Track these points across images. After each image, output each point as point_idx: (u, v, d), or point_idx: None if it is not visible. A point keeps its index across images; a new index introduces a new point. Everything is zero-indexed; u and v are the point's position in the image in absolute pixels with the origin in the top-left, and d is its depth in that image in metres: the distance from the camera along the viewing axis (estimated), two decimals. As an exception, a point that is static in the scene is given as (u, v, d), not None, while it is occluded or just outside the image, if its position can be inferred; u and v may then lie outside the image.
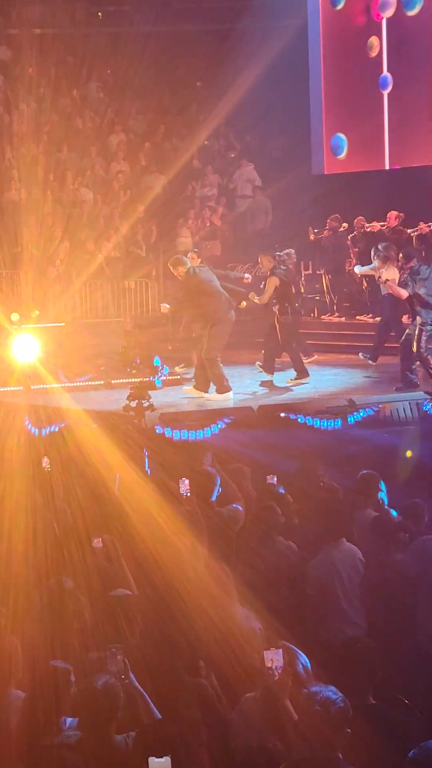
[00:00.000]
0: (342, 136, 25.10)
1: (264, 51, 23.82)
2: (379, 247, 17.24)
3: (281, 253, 17.35)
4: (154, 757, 5.11)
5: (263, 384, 16.55)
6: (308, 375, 16.50)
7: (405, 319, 16.20)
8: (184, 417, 13.89)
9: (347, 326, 21.18)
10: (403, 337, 15.31)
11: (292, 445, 12.75)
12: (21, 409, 14.16)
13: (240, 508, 10.06)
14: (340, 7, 24.91)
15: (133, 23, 26.50)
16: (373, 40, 24.06)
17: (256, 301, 16.30)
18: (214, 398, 15.04)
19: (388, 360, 17.18)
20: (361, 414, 14.03)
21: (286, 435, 13.41)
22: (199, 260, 17.90)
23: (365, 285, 20.66)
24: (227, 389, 15.07)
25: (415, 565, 8.62)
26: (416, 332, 15.07)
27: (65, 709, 5.95)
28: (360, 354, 17.78)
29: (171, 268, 15.34)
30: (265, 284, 16.60)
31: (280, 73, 24.22)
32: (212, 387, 15.21)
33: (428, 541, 8.80)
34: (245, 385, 16.35)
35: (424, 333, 15.04)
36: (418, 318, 15.12)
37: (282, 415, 14.05)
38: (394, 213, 20.37)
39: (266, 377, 16.81)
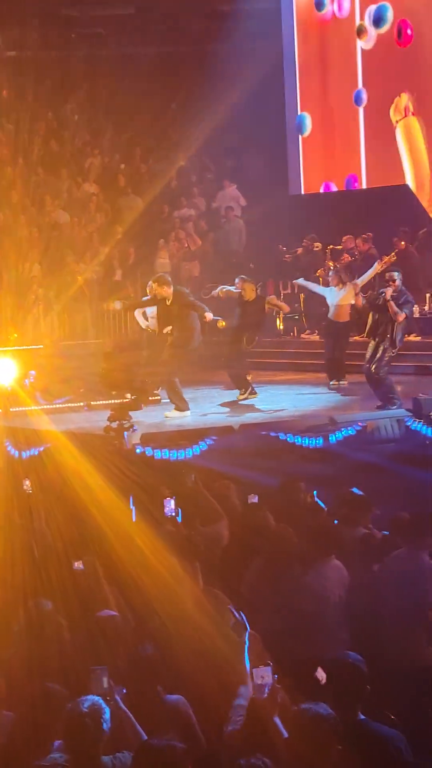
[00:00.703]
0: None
1: (241, 73, 23.86)
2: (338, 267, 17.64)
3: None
4: None
5: (243, 403, 16.51)
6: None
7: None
8: (165, 437, 13.83)
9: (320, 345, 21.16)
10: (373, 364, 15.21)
11: (275, 464, 12.69)
12: (0, 431, 14.08)
13: (224, 528, 10.00)
14: (316, 26, 25.05)
15: (108, 45, 26.51)
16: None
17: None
18: (172, 415, 15.07)
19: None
20: (344, 432, 13.99)
21: (269, 454, 13.35)
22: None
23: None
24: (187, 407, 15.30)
25: (389, 580, 8.57)
26: (380, 354, 15.02)
27: (56, 732, 5.89)
28: (330, 383, 17.79)
29: (156, 286, 15.26)
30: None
31: (258, 94, 24.29)
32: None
33: (401, 556, 8.74)
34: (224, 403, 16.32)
35: (386, 355, 15.02)
36: (385, 342, 15.01)
37: (263, 433, 14.00)
38: (361, 237, 20.45)
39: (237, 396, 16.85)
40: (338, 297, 17.42)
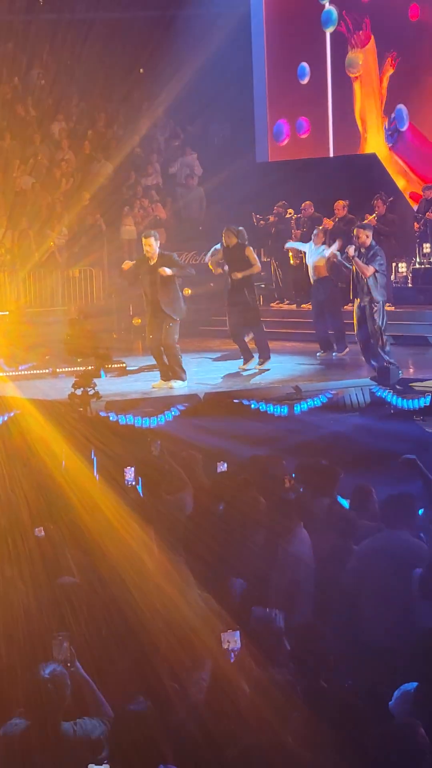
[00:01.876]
0: (284, 122, 25.15)
1: (208, 37, 23.75)
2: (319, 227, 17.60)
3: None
4: (93, 765, 5.12)
5: (210, 372, 16.52)
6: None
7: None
8: (129, 405, 13.82)
9: (293, 314, 21.18)
10: (362, 328, 15.14)
11: (242, 432, 12.70)
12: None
13: (189, 496, 10.00)
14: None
15: (75, 10, 26.27)
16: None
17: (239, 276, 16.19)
18: (178, 386, 14.99)
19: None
20: (318, 401, 14.02)
21: (234, 422, 13.36)
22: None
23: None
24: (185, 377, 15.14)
25: (363, 558, 8.57)
26: (368, 311, 14.94)
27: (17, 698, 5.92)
28: (317, 355, 17.80)
29: (144, 241, 14.97)
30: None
31: (224, 59, 24.22)
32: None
33: (377, 534, 8.75)
34: (191, 373, 16.29)
35: (375, 311, 14.92)
36: (365, 298, 14.93)
37: (235, 401, 14.01)
38: (341, 202, 20.33)
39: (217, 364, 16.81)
40: (317, 255, 17.41)
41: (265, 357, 16.49)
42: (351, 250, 14.86)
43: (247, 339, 16.74)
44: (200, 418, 13.56)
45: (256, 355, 16.54)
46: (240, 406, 13.93)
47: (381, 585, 8.21)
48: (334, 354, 17.73)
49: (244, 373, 16.30)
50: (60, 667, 5.82)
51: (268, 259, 21.91)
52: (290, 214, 21.70)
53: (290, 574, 8.41)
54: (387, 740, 5.10)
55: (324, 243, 17.70)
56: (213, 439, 12.26)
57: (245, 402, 13.99)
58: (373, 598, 8.21)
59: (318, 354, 17.78)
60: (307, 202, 21.18)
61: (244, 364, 16.52)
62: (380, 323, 14.91)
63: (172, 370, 15.06)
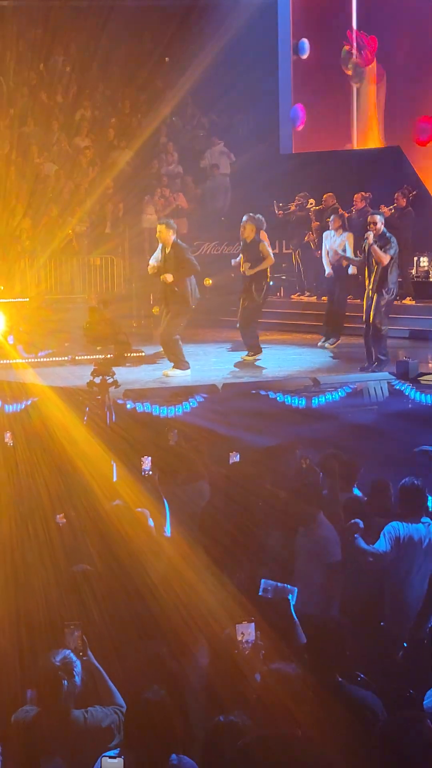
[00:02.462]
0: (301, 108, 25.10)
1: (232, 25, 23.68)
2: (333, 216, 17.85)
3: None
4: (107, 758, 5.14)
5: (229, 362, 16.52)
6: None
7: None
8: (148, 393, 13.84)
9: (314, 306, 21.17)
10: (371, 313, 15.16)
11: (259, 423, 12.72)
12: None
13: (206, 484, 10.02)
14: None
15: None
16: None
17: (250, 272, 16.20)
18: (173, 374, 15.02)
19: (351, 340, 17.30)
20: (337, 395, 14.03)
21: (252, 412, 13.37)
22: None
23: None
24: (187, 366, 15.13)
25: (388, 551, 8.57)
26: (375, 302, 14.96)
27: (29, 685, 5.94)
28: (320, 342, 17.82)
29: (158, 228, 15.02)
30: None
31: (249, 48, 24.13)
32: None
33: (401, 527, 8.75)
34: (210, 363, 16.31)
35: (382, 303, 14.96)
36: (372, 290, 14.93)
37: (253, 392, 14.03)
38: (361, 194, 20.30)
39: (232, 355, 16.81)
40: (336, 242, 17.36)
41: (254, 351, 16.52)
42: (371, 237, 14.87)
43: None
44: (218, 407, 13.58)
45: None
46: (258, 397, 13.95)
47: (402, 577, 8.25)
48: (326, 343, 17.75)
49: (257, 363, 16.32)
50: (71, 654, 5.86)
51: (289, 251, 21.90)
52: (311, 204, 21.67)
53: (315, 560, 8.40)
54: (395, 732, 5.09)
55: (341, 227, 17.62)
56: (230, 429, 12.28)
57: (262, 393, 14.01)
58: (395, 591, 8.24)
59: (319, 344, 17.82)
60: (329, 193, 21.14)
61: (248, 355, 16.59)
62: (386, 318, 15.01)
63: (171, 359, 15.11)
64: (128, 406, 13.19)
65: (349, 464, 10.03)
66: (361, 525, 8.20)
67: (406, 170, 21.97)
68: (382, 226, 14.94)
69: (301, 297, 21.95)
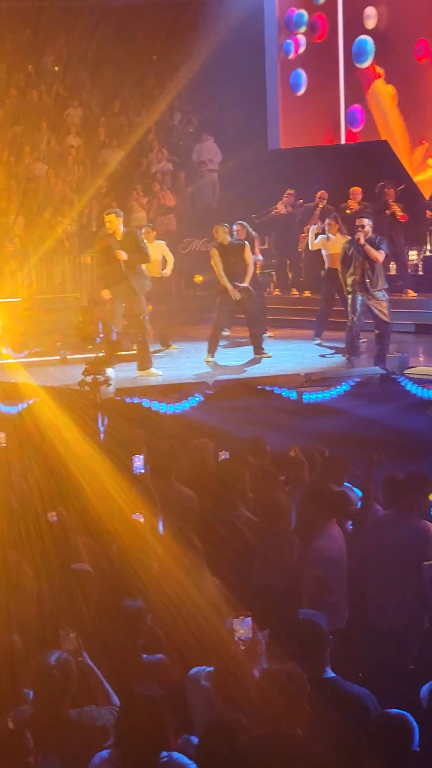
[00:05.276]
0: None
1: (220, 23, 23.70)
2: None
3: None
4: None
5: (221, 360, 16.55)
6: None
7: None
8: (140, 392, 13.88)
9: (301, 301, 21.21)
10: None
11: (253, 419, 12.75)
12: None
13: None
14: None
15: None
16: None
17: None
18: (143, 374, 15.05)
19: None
20: (344, 388, 14.12)
21: (247, 408, 13.41)
22: (154, 234, 17.89)
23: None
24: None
25: (368, 540, 8.61)
26: (359, 304, 15.10)
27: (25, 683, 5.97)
28: (316, 342, 17.84)
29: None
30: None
31: (237, 45, 24.14)
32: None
33: (380, 516, 8.80)
34: (201, 361, 16.33)
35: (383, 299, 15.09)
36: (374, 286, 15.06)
37: (258, 387, 14.10)
38: (358, 189, 20.33)
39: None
40: (334, 244, 17.39)
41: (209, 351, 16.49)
42: (362, 238, 14.94)
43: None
44: (212, 404, 13.62)
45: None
46: (254, 391, 14.00)
47: (392, 572, 8.27)
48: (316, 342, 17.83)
49: (257, 356, 16.37)
50: (66, 654, 5.89)
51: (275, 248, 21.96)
52: (299, 203, 21.70)
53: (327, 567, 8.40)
54: (387, 728, 5.11)
55: (339, 230, 17.65)
56: (225, 426, 12.29)
57: (258, 387, 14.07)
58: (384, 585, 8.27)
59: (317, 342, 17.84)
60: (322, 191, 21.15)
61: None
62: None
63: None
64: (127, 401, 13.22)
65: (337, 459, 10.07)
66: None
67: (393, 164, 22.00)
68: (370, 229, 15.07)
69: (294, 292, 21.96)
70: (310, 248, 18.54)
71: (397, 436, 12.29)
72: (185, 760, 5.28)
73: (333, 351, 16.89)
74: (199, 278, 16.12)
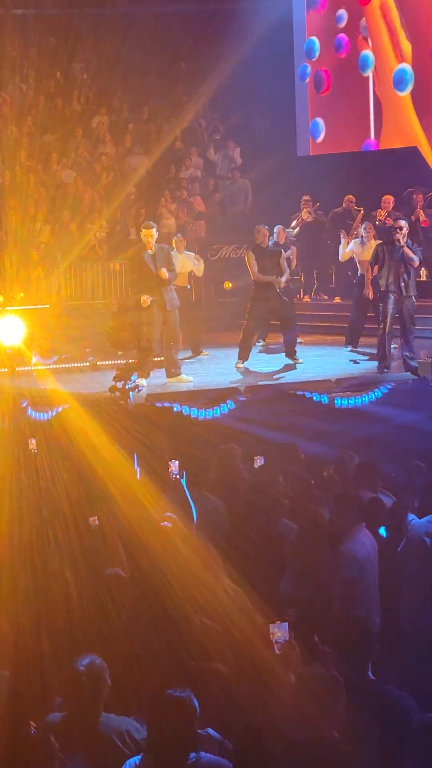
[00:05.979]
0: (320, 120, 24.99)
1: (249, 31, 23.66)
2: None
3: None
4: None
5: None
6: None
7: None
8: (170, 398, 13.84)
9: (331, 307, 21.11)
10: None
11: (282, 426, 12.68)
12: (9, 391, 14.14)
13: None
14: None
15: (117, 4, 26.31)
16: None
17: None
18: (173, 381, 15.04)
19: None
20: (379, 393, 14.07)
21: (279, 414, 13.34)
22: (184, 243, 17.89)
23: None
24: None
25: (402, 547, 8.52)
26: (407, 303, 15.05)
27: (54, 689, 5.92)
28: (349, 349, 17.74)
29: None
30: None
31: (266, 53, 24.10)
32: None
33: (413, 523, 8.70)
34: (231, 367, 16.27)
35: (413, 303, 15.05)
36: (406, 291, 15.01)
37: (291, 392, 14.07)
38: (390, 197, 20.24)
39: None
40: (367, 251, 17.28)
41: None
42: (401, 239, 14.90)
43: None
44: (243, 410, 13.58)
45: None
46: (285, 397, 13.96)
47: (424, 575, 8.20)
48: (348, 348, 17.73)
49: (290, 362, 16.32)
50: (98, 660, 5.81)
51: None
52: (316, 206, 21.68)
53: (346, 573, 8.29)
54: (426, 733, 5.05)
55: (374, 237, 17.57)
56: (256, 432, 12.23)
57: (299, 393, 14.05)
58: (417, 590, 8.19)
59: (349, 349, 17.74)
60: (349, 195, 21.05)
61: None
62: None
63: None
64: (157, 405, 13.20)
65: (369, 466, 9.97)
66: None
67: (425, 170, 21.87)
68: (407, 231, 15.08)
69: (323, 298, 21.90)
70: (340, 259, 18.51)
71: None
72: (214, 758, 5.22)
73: (366, 357, 16.80)
74: (228, 285, 16.09)
